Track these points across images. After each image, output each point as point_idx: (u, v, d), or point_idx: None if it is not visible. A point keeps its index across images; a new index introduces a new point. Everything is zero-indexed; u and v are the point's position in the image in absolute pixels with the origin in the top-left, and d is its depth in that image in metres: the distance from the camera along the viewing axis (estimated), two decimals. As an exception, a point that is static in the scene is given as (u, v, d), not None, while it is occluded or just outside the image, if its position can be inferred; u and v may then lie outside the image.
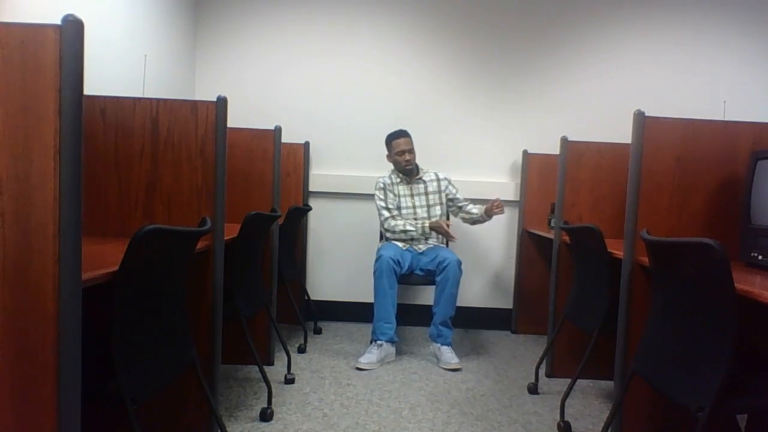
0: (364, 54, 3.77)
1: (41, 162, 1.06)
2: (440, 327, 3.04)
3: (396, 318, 3.06)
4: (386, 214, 3.27)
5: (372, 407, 2.40)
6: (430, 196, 3.32)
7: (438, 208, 3.32)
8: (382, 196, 3.30)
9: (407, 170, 3.28)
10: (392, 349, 3.07)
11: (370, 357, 2.95)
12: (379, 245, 3.35)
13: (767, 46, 3.74)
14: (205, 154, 1.91)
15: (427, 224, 3.23)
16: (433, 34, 3.76)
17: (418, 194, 3.32)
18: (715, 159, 1.99)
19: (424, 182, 3.34)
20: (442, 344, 3.03)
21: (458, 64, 3.77)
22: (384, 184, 3.32)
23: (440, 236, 3.34)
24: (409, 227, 3.22)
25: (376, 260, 3.07)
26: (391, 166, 3.37)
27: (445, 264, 3.03)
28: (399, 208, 3.30)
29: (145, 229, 1.23)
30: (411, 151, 3.25)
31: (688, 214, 1.99)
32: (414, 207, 3.30)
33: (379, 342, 3.01)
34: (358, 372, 2.83)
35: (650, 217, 1.98)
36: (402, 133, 3.27)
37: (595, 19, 3.75)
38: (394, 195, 3.31)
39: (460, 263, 3.06)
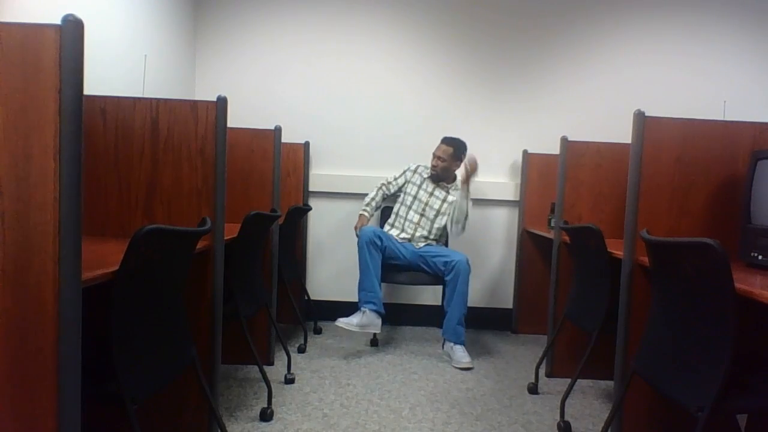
0: (364, 54, 3.76)
1: (41, 162, 1.06)
2: (452, 326, 3.05)
3: (380, 289, 3.12)
4: (378, 187, 3.49)
5: (372, 407, 2.40)
6: (444, 205, 3.35)
7: (445, 218, 3.34)
8: (398, 175, 3.50)
9: (432, 173, 3.37)
10: (377, 321, 3.09)
11: (350, 319, 3.04)
12: None
13: (767, 46, 3.74)
14: (205, 154, 1.91)
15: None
16: (432, 34, 3.76)
17: (437, 197, 3.36)
18: (715, 159, 1.99)
19: (448, 192, 3.38)
20: (455, 343, 3.04)
21: (458, 64, 3.77)
22: (415, 168, 3.47)
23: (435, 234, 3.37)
24: (366, 202, 3.47)
25: (359, 236, 3.16)
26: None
27: (453, 263, 3.07)
28: (415, 197, 3.37)
29: (145, 229, 1.23)
30: (440, 158, 3.32)
31: (688, 214, 1.99)
32: (426, 204, 3.34)
33: (362, 309, 3.06)
34: (358, 372, 2.83)
35: (650, 217, 1.98)
36: (443, 140, 3.36)
37: (595, 19, 3.75)
38: (414, 184, 3.40)
39: (468, 261, 3.09)
